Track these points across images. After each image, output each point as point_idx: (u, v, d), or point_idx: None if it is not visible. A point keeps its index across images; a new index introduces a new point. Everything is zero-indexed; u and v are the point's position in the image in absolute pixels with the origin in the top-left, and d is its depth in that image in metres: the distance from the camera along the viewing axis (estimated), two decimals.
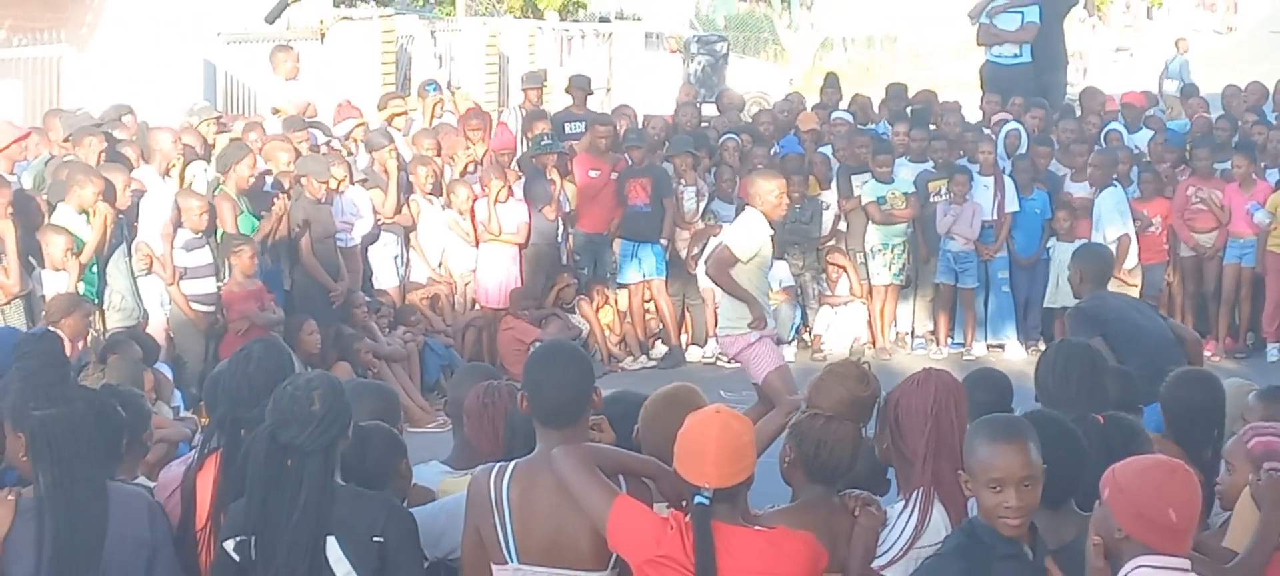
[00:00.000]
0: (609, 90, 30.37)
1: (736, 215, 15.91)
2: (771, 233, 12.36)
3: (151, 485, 6.53)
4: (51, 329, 10.41)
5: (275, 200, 14.71)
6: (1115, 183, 16.95)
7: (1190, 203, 16.96)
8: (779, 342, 13.29)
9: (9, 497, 5.78)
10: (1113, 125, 18.91)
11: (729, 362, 11.89)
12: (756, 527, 5.50)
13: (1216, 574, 5.88)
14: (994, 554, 5.21)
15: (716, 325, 12.19)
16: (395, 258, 16.35)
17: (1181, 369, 8.20)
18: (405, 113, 18.46)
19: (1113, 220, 16.68)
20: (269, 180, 15.02)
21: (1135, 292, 16.30)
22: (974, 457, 5.31)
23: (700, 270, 12.01)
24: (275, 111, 17.88)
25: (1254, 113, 19.50)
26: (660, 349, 17.20)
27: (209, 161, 14.79)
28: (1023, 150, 17.97)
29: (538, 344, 13.61)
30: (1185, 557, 5.11)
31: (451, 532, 6.03)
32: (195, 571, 6.18)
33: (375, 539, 5.72)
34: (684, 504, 5.48)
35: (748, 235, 11.95)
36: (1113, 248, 16.33)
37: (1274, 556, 5.86)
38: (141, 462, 6.48)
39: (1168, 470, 5.15)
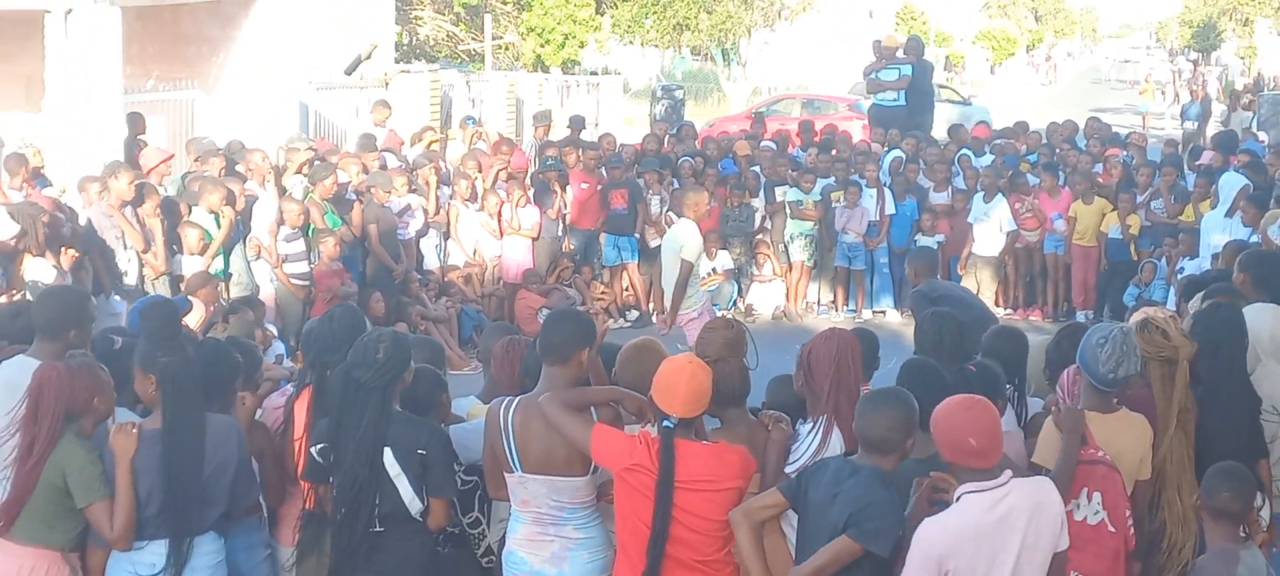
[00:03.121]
0: (597, 125, 30.36)
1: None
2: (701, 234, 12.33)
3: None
4: (170, 297, 10.40)
5: (354, 206, 14.78)
6: (1000, 193, 17.16)
7: (1019, 212, 17.05)
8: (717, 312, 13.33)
9: (132, 429, 5.75)
10: (965, 150, 18.98)
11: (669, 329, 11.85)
12: (705, 443, 5.52)
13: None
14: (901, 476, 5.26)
15: (664, 306, 12.11)
16: (436, 247, 16.28)
17: (998, 326, 8.18)
18: (437, 140, 18.45)
19: (1009, 220, 17.00)
20: (350, 190, 15.07)
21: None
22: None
23: (665, 272, 11.96)
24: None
25: (1068, 142, 19.60)
26: (633, 314, 17.17)
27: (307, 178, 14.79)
28: (899, 170, 18.04)
29: (545, 309, 13.63)
30: (996, 470, 5.04)
31: (477, 445, 6.07)
32: (289, 468, 6.29)
33: (419, 451, 5.77)
34: (649, 425, 5.49)
35: (692, 242, 11.87)
36: (1006, 236, 16.98)
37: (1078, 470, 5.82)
38: (254, 394, 6.48)
39: (966, 404, 5.09)
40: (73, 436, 5.77)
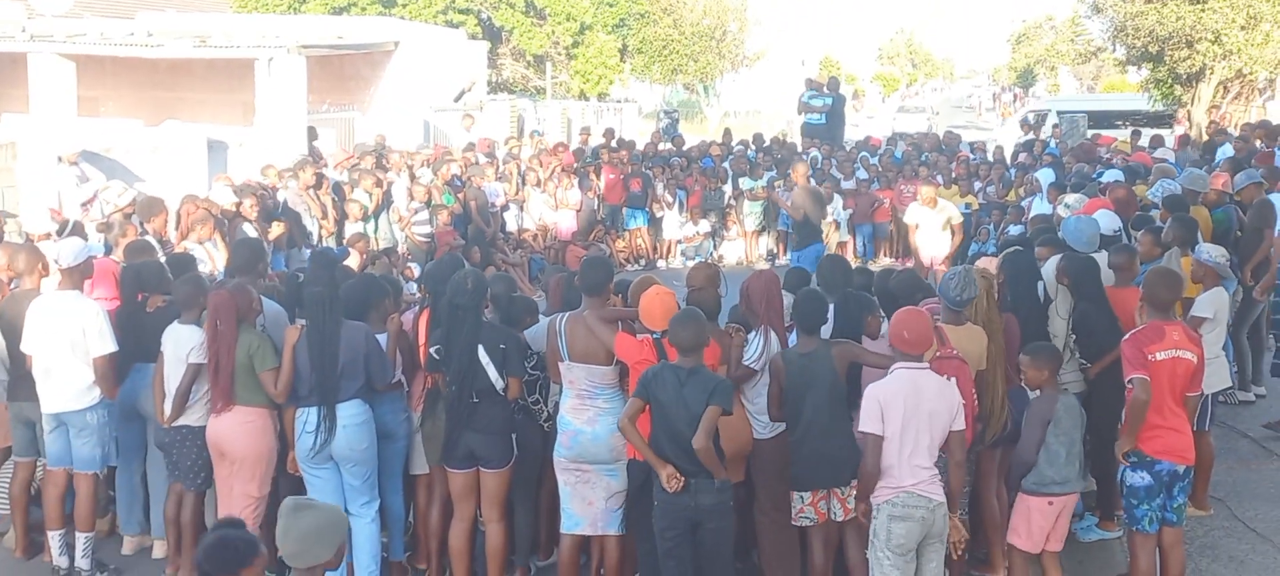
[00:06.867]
0: (619, 136, 30.04)
1: (676, 204, 15.84)
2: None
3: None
4: (332, 248, 10.33)
5: (461, 189, 14.70)
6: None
7: (903, 193, 16.83)
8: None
9: (299, 326, 5.82)
10: (863, 152, 18.72)
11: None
12: None
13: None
14: None
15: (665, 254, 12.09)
16: (515, 216, 16.09)
17: (883, 268, 7.96)
18: (516, 145, 18.36)
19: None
20: (458, 178, 14.99)
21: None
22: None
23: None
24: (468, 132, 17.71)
25: (937, 149, 19.28)
26: (642, 260, 17.07)
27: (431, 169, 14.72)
28: (819, 166, 17.81)
29: (585, 256, 13.52)
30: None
31: (539, 341, 6.05)
32: (418, 360, 6.17)
33: (501, 347, 5.73)
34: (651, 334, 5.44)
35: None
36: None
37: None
38: (399, 314, 6.47)
39: (909, 312, 5.24)
40: (246, 329, 5.84)
